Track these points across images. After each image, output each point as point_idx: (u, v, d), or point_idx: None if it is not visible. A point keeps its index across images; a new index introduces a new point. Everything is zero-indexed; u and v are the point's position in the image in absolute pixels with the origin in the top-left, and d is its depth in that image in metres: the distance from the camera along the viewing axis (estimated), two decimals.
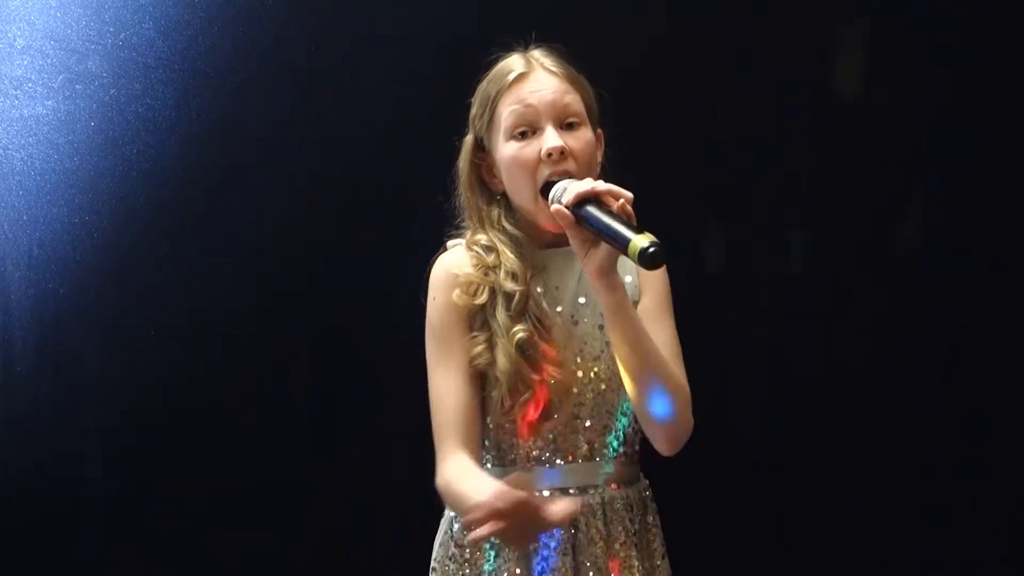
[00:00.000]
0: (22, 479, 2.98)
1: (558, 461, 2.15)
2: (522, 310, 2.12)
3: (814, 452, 2.91)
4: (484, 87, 2.19)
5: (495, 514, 1.85)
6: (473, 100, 2.22)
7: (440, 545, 2.24)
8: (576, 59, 2.23)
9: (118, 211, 2.97)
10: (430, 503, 2.21)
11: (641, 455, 2.24)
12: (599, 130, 2.22)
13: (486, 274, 2.14)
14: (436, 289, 2.18)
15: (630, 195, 1.99)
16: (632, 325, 2.03)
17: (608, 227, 1.94)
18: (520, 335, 2.10)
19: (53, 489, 2.99)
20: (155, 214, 2.97)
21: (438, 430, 2.13)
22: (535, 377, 2.10)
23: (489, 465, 2.19)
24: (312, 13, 2.96)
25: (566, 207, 1.99)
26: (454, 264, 2.18)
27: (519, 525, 1.88)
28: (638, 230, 1.92)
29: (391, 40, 2.94)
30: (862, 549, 2.90)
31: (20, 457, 2.98)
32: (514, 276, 2.13)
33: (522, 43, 2.24)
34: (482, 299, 2.14)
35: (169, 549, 2.99)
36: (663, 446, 2.10)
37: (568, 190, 2.02)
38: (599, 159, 2.20)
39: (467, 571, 2.18)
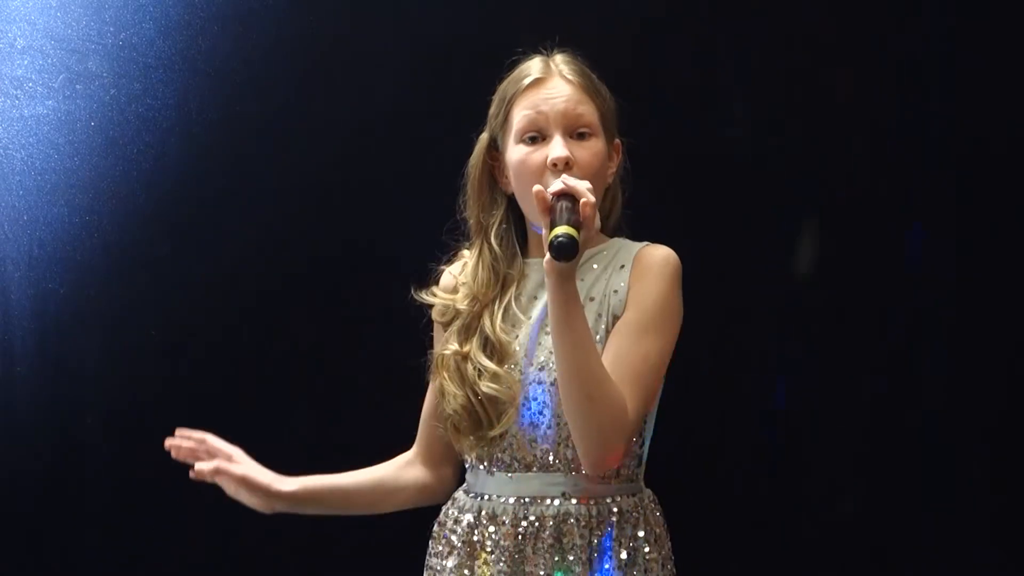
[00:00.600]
0: (22, 479, 2.98)
1: (513, 468, 2.12)
2: (466, 328, 2.15)
3: (818, 454, 2.91)
4: (503, 87, 2.19)
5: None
6: (493, 98, 2.22)
7: (432, 539, 2.24)
8: (596, 65, 2.22)
9: (118, 211, 2.97)
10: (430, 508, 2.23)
11: (635, 469, 2.17)
12: (617, 141, 2.20)
13: (454, 291, 2.20)
14: (433, 298, 2.23)
15: (597, 223, 2.01)
16: (572, 327, 1.97)
17: (555, 214, 1.93)
18: (448, 350, 2.14)
19: (53, 489, 2.99)
20: (155, 214, 2.97)
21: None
22: (456, 392, 2.11)
23: (482, 467, 2.18)
24: (312, 13, 2.96)
25: (549, 193, 1.96)
26: (443, 282, 2.23)
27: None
28: (570, 225, 1.90)
29: (392, 40, 2.94)
30: (865, 550, 2.90)
31: (20, 457, 2.98)
32: (473, 299, 2.15)
33: (548, 46, 2.23)
34: (448, 318, 2.19)
35: (169, 549, 2.99)
36: (583, 462, 2.04)
37: (558, 181, 2.00)
38: (612, 170, 2.18)
39: (436, 568, 2.17)
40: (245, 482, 2.20)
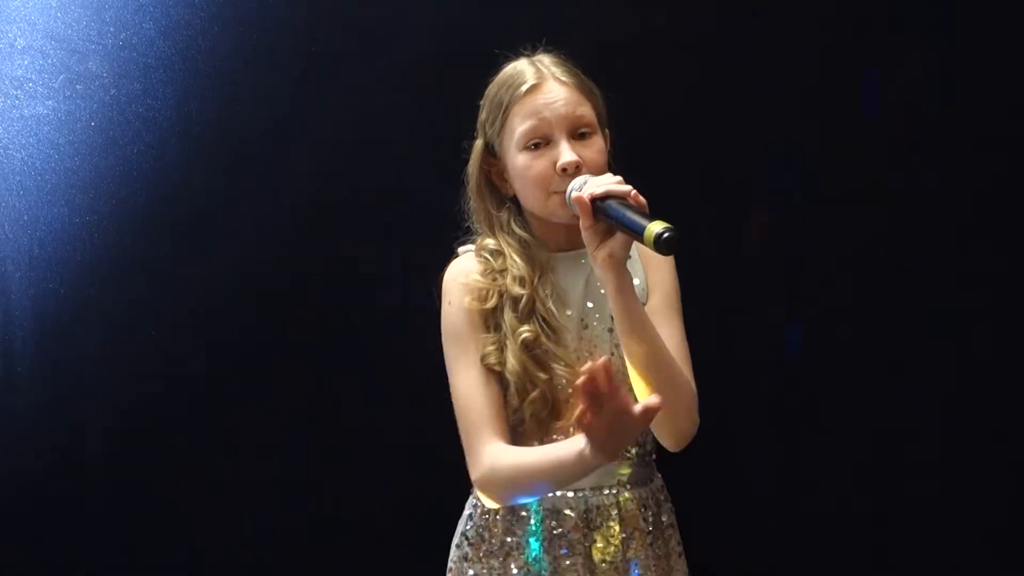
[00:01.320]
0: (22, 479, 2.98)
1: None
2: (529, 312, 2.15)
3: (825, 448, 2.91)
4: (495, 93, 2.20)
5: (589, 394, 1.86)
6: (482, 104, 2.23)
7: (456, 547, 2.25)
8: (581, 60, 2.23)
9: (118, 211, 2.97)
10: (445, 505, 2.22)
11: (656, 455, 2.25)
12: (606, 131, 2.24)
13: (494, 279, 2.17)
14: (449, 294, 2.21)
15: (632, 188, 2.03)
16: (639, 319, 2.05)
17: (624, 216, 1.98)
18: (525, 335, 2.12)
19: (53, 489, 2.99)
20: (155, 214, 2.97)
21: (468, 429, 2.14)
22: (542, 375, 2.12)
23: None
24: (312, 13, 2.96)
25: (590, 197, 2.01)
26: (464, 270, 2.21)
27: (609, 420, 1.89)
28: (652, 218, 1.95)
29: (392, 40, 2.94)
30: (872, 544, 2.90)
31: (20, 457, 2.98)
32: (521, 280, 2.16)
33: (528, 48, 2.24)
34: (491, 303, 2.17)
35: (169, 549, 2.99)
36: (668, 442, 2.12)
37: (590, 183, 2.06)
38: (608, 161, 2.22)
39: (483, 571, 2.18)
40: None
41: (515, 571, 2.16)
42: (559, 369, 2.13)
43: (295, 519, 2.97)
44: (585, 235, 2.03)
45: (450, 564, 2.24)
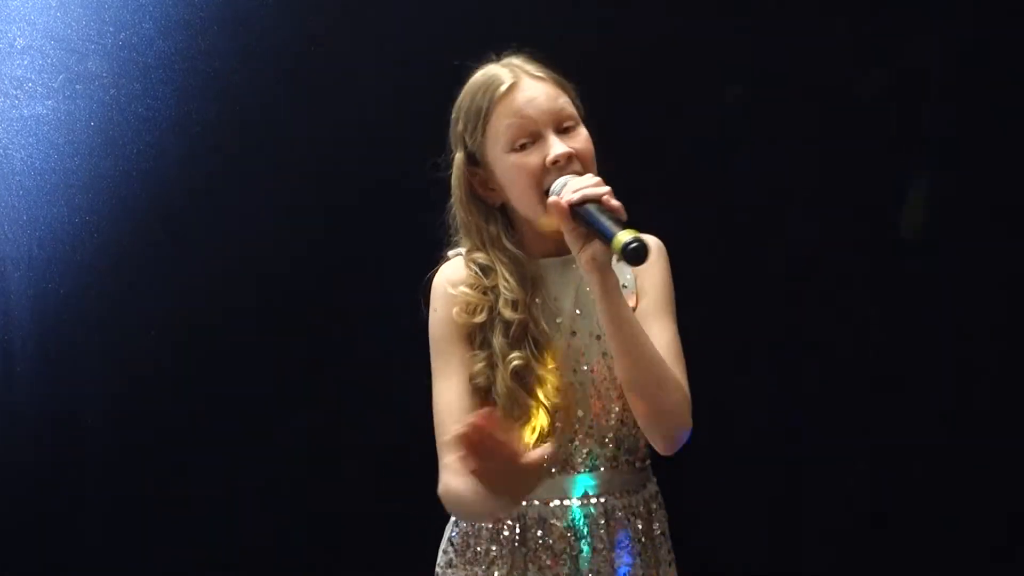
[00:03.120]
0: (22, 479, 2.98)
1: (556, 471, 2.14)
2: (520, 336, 2.11)
3: (822, 452, 2.91)
4: (470, 101, 2.16)
5: (468, 444, 1.82)
6: (455, 116, 2.19)
7: (443, 552, 2.24)
8: (551, 60, 2.22)
9: (118, 211, 2.97)
10: (433, 510, 2.21)
11: (647, 462, 2.23)
12: None
13: (484, 292, 2.14)
14: (436, 301, 2.17)
15: (610, 190, 2.00)
16: (627, 322, 2.02)
17: (598, 222, 1.96)
18: (516, 363, 2.09)
19: (53, 489, 2.99)
20: (155, 214, 2.97)
21: (439, 440, 2.11)
22: (530, 403, 2.10)
23: None
24: (312, 13, 2.96)
25: (567, 203, 1.99)
26: (453, 279, 2.16)
27: (498, 468, 1.84)
28: (624, 226, 1.93)
29: (391, 40, 2.94)
30: (870, 549, 2.90)
31: (20, 456, 2.98)
32: (514, 304, 2.11)
33: (492, 55, 2.22)
34: (480, 318, 2.13)
35: (169, 549, 2.99)
36: (660, 446, 2.09)
37: (568, 186, 2.02)
38: None
39: None
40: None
41: None
42: (548, 394, 2.10)
43: (290, 520, 2.97)
44: (567, 238, 2.00)
45: (437, 569, 2.22)
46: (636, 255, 1.90)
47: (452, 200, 2.20)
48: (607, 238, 1.93)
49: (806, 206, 2.92)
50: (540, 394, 2.09)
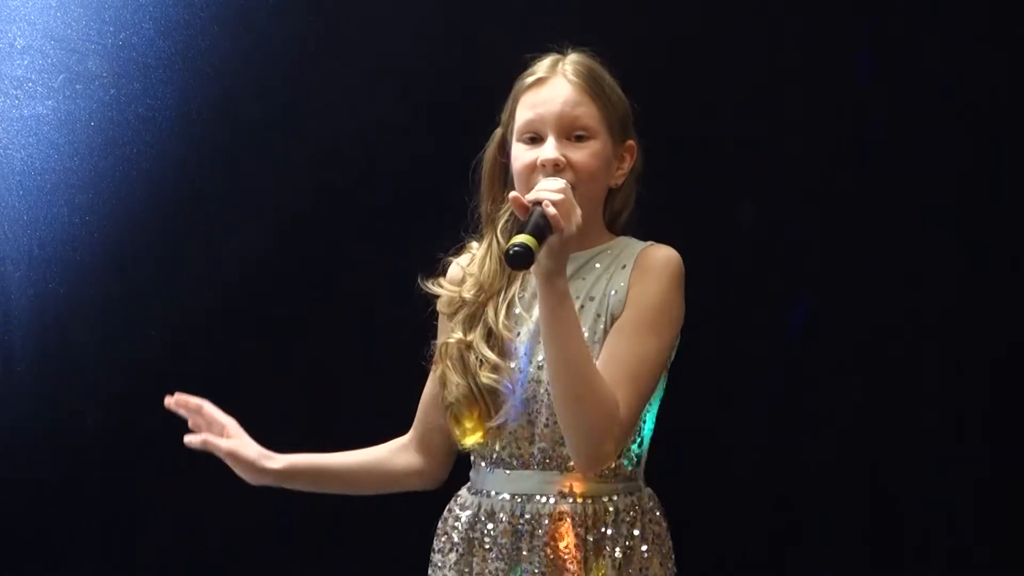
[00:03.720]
0: (22, 479, 2.98)
1: (512, 466, 2.12)
2: (473, 319, 2.14)
3: (819, 453, 2.91)
4: (516, 84, 2.20)
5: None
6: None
7: (435, 538, 2.25)
8: (608, 64, 2.22)
9: (118, 211, 2.97)
10: (431, 499, 2.22)
11: (626, 471, 2.14)
12: (631, 142, 2.18)
13: (461, 283, 2.18)
14: (440, 289, 2.21)
15: (577, 219, 1.96)
16: (559, 325, 1.98)
17: (524, 221, 1.94)
18: (452, 339, 2.14)
19: (53, 489, 2.99)
20: (155, 214, 2.97)
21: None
22: (459, 381, 2.11)
23: (483, 464, 2.19)
24: (312, 13, 2.96)
25: (524, 200, 1.97)
26: (450, 273, 2.22)
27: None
28: (530, 235, 1.90)
29: (392, 40, 2.94)
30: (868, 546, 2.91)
31: (20, 456, 2.98)
32: (479, 289, 2.15)
33: (567, 46, 2.22)
34: (454, 308, 2.18)
35: (169, 548, 2.99)
36: (574, 459, 2.05)
37: (541, 183, 2.02)
38: (621, 171, 2.17)
39: (438, 565, 2.18)
40: (232, 456, 2.22)
41: (450, 567, 2.15)
42: (484, 375, 2.11)
43: (291, 516, 2.97)
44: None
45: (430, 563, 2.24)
46: (511, 260, 1.89)
47: (480, 171, 2.22)
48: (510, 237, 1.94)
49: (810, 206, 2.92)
50: (472, 374, 2.10)
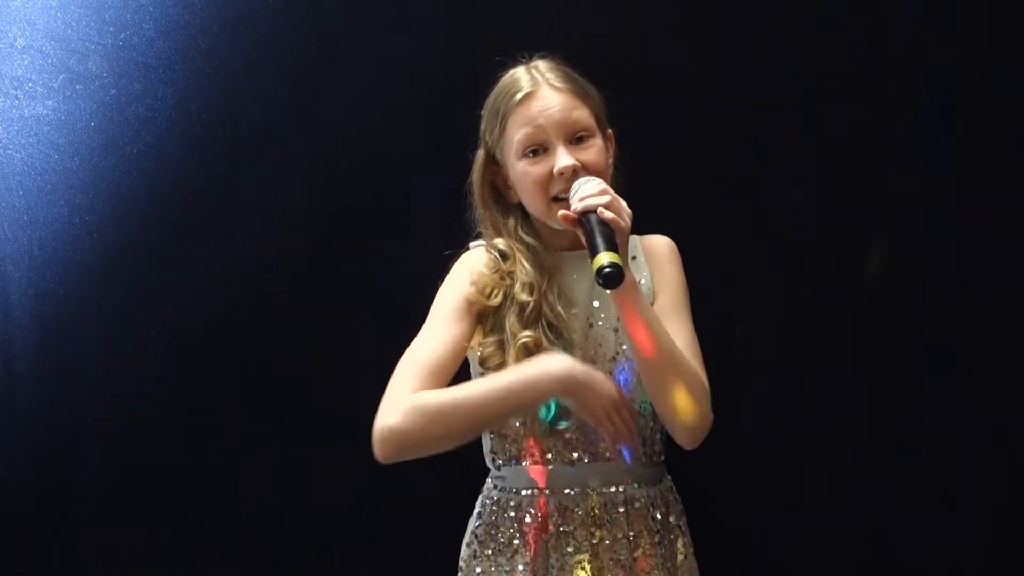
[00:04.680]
0: (22, 479, 2.98)
1: (577, 460, 2.17)
2: (534, 319, 2.16)
3: (825, 448, 2.91)
4: (492, 103, 2.23)
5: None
6: (482, 114, 2.25)
7: (466, 545, 2.25)
8: (579, 62, 2.24)
9: (118, 211, 2.97)
10: (456, 505, 2.23)
11: (664, 456, 2.28)
12: (609, 131, 2.26)
13: (502, 278, 2.20)
14: (456, 274, 2.23)
15: (627, 212, 2.07)
16: (647, 318, 2.07)
17: (591, 235, 2.04)
18: (525, 339, 2.14)
19: (53, 489, 2.99)
20: (155, 214, 2.97)
21: (402, 371, 2.13)
22: None
23: (500, 462, 2.20)
24: (312, 13, 2.96)
25: (573, 212, 2.07)
26: (473, 262, 2.23)
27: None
28: (609, 248, 2.00)
29: (392, 40, 2.94)
30: (872, 544, 2.90)
31: (20, 457, 2.98)
32: (530, 288, 2.18)
33: (524, 55, 2.25)
34: (496, 301, 2.18)
35: (169, 549, 2.99)
36: (683, 440, 2.15)
37: (576, 194, 2.09)
38: (610, 161, 2.24)
39: (491, 568, 2.19)
40: None
41: (521, 569, 2.17)
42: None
43: (299, 519, 2.97)
44: (583, 240, 2.07)
45: (460, 563, 2.24)
46: (607, 280, 1.98)
47: (472, 196, 2.24)
48: (593, 254, 2.02)
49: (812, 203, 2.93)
50: None
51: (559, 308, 2.17)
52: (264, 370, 2.98)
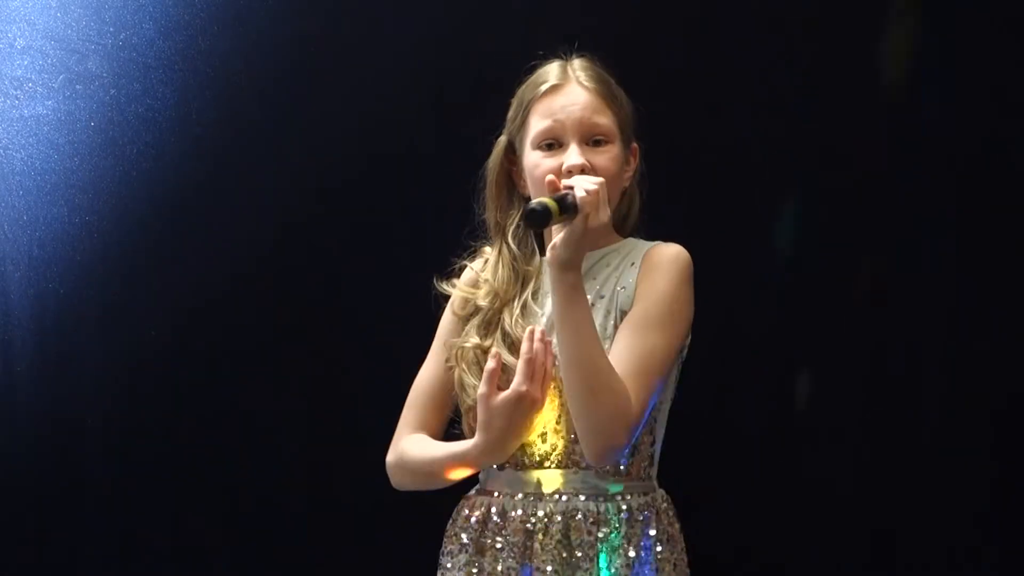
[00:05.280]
0: (22, 478, 2.98)
1: (524, 465, 2.14)
2: (491, 326, 2.17)
3: (833, 455, 2.90)
4: (521, 92, 2.22)
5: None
6: (512, 102, 2.24)
7: (441, 548, 2.25)
8: (613, 66, 2.23)
9: (118, 211, 2.97)
10: (445, 505, 2.23)
11: (644, 474, 2.17)
12: (634, 144, 2.23)
13: (476, 286, 2.22)
14: (454, 290, 2.25)
15: (603, 217, 2.02)
16: (573, 317, 2.02)
17: (556, 199, 2.00)
18: (468, 343, 2.16)
19: (53, 489, 2.99)
20: (155, 214, 2.97)
21: (408, 402, 2.26)
22: (476, 384, 2.12)
23: (493, 464, 2.20)
24: (312, 13, 2.96)
25: (562, 186, 2.05)
26: (465, 276, 2.26)
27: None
28: (553, 200, 1.98)
29: (392, 40, 2.94)
30: (879, 550, 2.90)
31: (20, 456, 2.98)
32: (494, 296, 2.19)
33: (567, 50, 2.24)
34: (468, 311, 2.21)
35: (169, 549, 2.99)
36: (586, 453, 2.07)
37: (575, 177, 2.07)
38: (628, 173, 2.22)
39: (447, 566, 2.18)
40: None
41: (461, 569, 2.15)
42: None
43: (295, 518, 2.97)
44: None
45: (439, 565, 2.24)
46: (528, 216, 1.98)
47: (485, 179, 2.23)
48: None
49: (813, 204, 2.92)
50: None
51: (518, 317, 2.16)
52: (264, 370, 2.98)
